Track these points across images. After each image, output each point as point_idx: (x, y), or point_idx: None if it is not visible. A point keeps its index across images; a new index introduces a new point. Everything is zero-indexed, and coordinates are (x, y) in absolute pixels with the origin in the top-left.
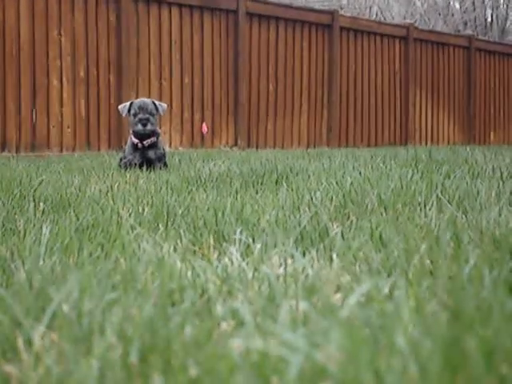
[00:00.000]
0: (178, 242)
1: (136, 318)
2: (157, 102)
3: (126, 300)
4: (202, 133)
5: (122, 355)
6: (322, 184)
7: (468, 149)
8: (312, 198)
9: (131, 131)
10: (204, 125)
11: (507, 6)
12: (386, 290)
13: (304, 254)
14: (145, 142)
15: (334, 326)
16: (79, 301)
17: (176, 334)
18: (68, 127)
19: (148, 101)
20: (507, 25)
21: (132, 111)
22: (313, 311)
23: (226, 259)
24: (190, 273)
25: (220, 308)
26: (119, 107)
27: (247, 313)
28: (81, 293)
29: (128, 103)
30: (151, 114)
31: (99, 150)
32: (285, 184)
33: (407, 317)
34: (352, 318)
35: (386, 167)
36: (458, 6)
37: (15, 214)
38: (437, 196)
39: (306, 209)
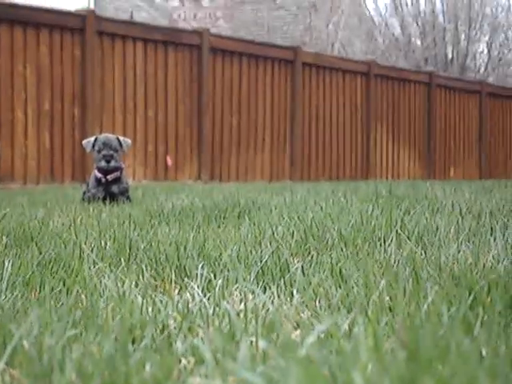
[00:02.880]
0: (140, 277)
1: (96, 355)
2: (121, 138)
3: (87, 336)
4: (166, 165)
5: None
6: (283, 219)
7: (428, 184)
8: (274, 233)
9: (95, 166)
10: (168, 157)
11: (467, 42)
12: (346, 327)
13: (265, 290)
14: (109, 177)
15: (293, 364)
16: (40, 337)
17: (136, 370)
18: (32, 160)
19: (112, 137)
20: (467, 61)
21: (96, 147)
22: (272, 349)
23: (188, 294)
24: (150, 308)
25: (180, 344)
26: (83, 142)
27: (207, 350)
28: (42, 329)
29: (92, 139)
30: (115, 150)
31: (63, 182)
32: (247, 218)
33: (365, 355)
34: (311, 356)
35: (346, 202)
36: (419, 42)
37: None
38: (396, 232)
39: (268, 244)
